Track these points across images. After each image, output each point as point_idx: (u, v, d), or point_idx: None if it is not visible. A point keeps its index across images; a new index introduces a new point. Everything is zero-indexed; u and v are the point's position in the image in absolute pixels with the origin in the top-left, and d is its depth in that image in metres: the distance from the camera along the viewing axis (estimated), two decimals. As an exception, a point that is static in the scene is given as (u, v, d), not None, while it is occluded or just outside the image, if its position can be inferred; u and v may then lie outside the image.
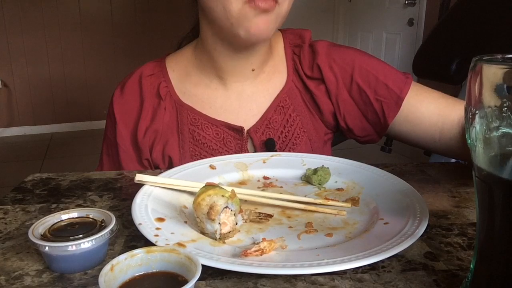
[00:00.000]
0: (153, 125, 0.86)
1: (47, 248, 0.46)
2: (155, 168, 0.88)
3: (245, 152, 0.86)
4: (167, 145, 0.86)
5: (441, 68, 2.03)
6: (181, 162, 0.84)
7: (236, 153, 0.86)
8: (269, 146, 0.86)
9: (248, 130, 0.87)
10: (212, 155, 0.85)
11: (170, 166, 0.86)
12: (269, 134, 0.87)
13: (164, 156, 0.86)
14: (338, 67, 0.87)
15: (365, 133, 0.90)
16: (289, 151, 0.87)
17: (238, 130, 0.86)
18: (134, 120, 0.87)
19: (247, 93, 0.88)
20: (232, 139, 0.86)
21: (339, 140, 1.07)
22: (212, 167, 0.75)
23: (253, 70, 0.87)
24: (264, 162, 0.77)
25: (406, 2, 3.86)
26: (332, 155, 0.82)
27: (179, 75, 0.89)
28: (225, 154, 0.85)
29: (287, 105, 0.88)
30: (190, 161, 0.83)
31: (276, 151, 0.85)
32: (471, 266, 0.41)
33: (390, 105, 0.85)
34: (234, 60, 0.84)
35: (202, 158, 0.84)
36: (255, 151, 0.87)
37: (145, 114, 0.86)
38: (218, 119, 0.87)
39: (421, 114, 0.83)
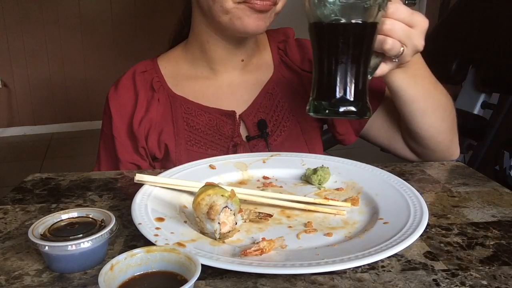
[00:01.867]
0: (147, 115, 0.88)
1: (47, 248, 0.46)
2: (151, 157, 0.89)
3: (237, 136, 0.88)
4: (162, 134, 0.87)
5: (441, 68, 2.03)
6: (176, 149, 0.86)
7: (229, 137, 0.88)
8: (261, 126, 0.89)
9: (240, 115, 0.90)
10: (207, 141, 0.87)
11: (166, 154, 0.87)
12: (260, 117, 0.90)
13: (160, 144, 0.87)
14: None
15: (343, 131, 0.93)
16: (281, 133, 0.90)
17: (231, 114, 0.89)
18: (129, 113, 0.89)
19: (237, 81, 0.92)
20: (224, 124, 0.89)
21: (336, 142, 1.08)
22: (211, 167, 0.75)
23: (242, 60, 0.91)
24: (264, 162, 0.77)
25: (406, 2, 3.85)
26: (331, 155, 0.82)
27: (170, 71, 0.93)
28: (218, 139, 0.88)
29: (276, 93, 0.92)
30: (186, 148, 0.86)
31: (268, 133, 0.88)
32: (312, 95, 0.64)
33: (372, 100, 0.88)
34: (225, 50, 0.88)
35: (197, 144, 0.87)
36: (248, 134, 0.89)
37: (140, 107, 0.88)
38: (211, 106, 0.89)
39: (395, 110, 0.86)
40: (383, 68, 0.67)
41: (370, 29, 0.61)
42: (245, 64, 0.92)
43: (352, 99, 0.61)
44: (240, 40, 0.88)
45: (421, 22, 0.66)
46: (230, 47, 0.88)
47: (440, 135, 0.81)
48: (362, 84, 0.63)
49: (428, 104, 0.78)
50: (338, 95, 0.61)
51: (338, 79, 0.61)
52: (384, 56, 0.66)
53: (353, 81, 0.61)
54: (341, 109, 0.61)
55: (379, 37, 0.63)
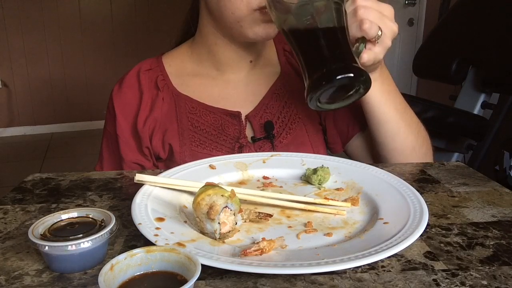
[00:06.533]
0: (152, 114, 0.87)
1: (46, 247, 0.46)
2: (155, 157, 0.88)
3: (243, 137, 0.88)
4: (167, 133, 0.87)
5: (441, 68, 2.03)
6: (181, 149, 0.86)
7: (234, 138, 0.87)
8: (268, 127, 0.88)
9: (247, 115, 0.89)
10: (212, 141, 0.87)
11: (171, 154, 0.86)
12: (267, 118, 0.90)
13: (164, 144, 0.87)
14: None
15: (332, 139, 0.95)
16: (286, 135, 0.89)
17: (235, 115, 0.88)
18: (134, 112, 0.88)
19: (244, 82, 0.91)
20: (229, 125, 0.88)
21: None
22: (212, 167, 0.75)
23: (251, 61, 0.91)
24: (264, 162, 0.77)
25: (406, 2, 3.85)
26: (331, 154, 0.82)
27: (175, 69, 0.92)
28: (224, 140, 0.87)
29: (283, 93, 0.92)
30: (190, 149, 0.85)
31: (273, 135, 0.88)
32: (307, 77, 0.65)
33: (355, 126, 0.92)
34: (234, 53, 0.88)
35: (202, 145, 0.86)
36: (254, 135, 0.89)
37: (144, 106, 0.88)
38: (216, 106, 0.89)
39: None
40: (369, 53, 0.69)
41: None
42: (253, 65, 0.92)
43: (342, 64, 0.62)
44: (249, 43, 0.87)
45: (388, 8, 0.71)
46: (239, 50, 0.87)
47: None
48: (347, 49, 0.64)
49: (400, 127, 0.81)
50: (328, 65, 0.62)
51: (322, 52, 0.64)
52: (365, 40, 0.68)
53: (337, 49, 0.64)
54: (337, 77, 0.61)
55: (357, 20, 0.67)
